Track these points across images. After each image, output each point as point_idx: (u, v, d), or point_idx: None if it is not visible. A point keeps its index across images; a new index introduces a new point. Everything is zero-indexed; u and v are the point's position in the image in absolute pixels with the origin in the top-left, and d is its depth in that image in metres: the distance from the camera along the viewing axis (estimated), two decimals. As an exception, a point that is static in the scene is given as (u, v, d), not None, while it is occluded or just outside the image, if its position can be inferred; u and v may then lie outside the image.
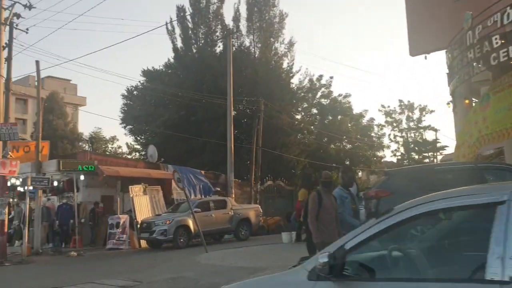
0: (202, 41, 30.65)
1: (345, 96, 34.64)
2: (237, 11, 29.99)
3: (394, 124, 44.10)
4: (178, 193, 21.44)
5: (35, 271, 12.95)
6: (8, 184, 15.96)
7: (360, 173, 34.64)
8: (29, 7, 16.13)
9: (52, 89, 41.04)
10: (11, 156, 15.86)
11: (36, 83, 17.95)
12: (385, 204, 6.12)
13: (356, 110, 35.54)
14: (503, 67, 9.77)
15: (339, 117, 33.92)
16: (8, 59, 15.95)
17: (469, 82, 11.51)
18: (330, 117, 33.88)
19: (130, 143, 35.38)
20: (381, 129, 39.64)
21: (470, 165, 8.61)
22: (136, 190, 18.27)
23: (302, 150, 28.68)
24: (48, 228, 17.82)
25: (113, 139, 43.80)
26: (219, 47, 30.52)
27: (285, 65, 30.40)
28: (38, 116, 18.35)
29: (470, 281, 2.48)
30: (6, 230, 15.56)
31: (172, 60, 31.13)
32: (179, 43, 30.60)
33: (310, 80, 32.40)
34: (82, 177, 18.12)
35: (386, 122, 43.50)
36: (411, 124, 44.23)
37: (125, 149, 38.75)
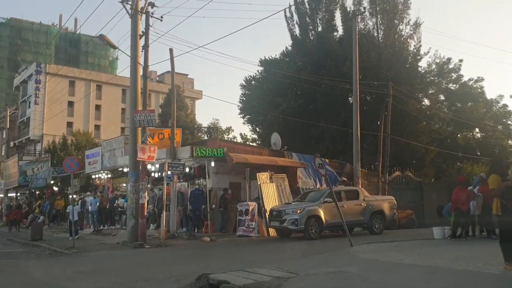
0: (320, 27, 29.67)
1: (477, 81, 31.73)
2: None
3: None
4: (304, 182, 20.85)
5: (177, 254, 13.12)
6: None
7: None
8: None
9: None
10: (150, 142, 16.40)
11: (170, 71, 18.30)
12: None
13: (489, 95, 32.28)
14: None
15: (469, 104, 31.07)
16: (145, 47, 16.48)
17: None
18: (459, 104, 31.11)
19: (244, 134, 35.70)
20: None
21: None
22: (263, 178, 17.98)
23: (433, 138, 26.42)
24: (183, 212, 18.25)
25: (229, 129, 44.83)
26: (339, 32, 29.37)
27: (411, 47, 28.21)
28: (172, 104, 18.86)
29: None
30: (145, 213, 16.20)
31: (290, 48, 30.62)
32: (297, 31, 29.99)
33: (437, 64, 29.94)
34: (212, 164, 18.39)
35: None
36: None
37: (239, 139, 39.37)
